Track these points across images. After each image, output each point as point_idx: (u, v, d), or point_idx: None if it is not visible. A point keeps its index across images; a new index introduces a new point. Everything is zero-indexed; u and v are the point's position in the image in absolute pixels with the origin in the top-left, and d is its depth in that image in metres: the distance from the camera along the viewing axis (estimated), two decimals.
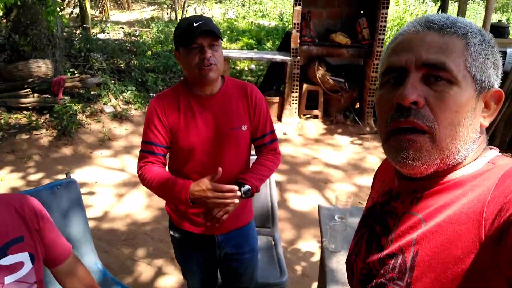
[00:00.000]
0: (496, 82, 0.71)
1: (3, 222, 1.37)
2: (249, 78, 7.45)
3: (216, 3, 16.11)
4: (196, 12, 14.84)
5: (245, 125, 1.65)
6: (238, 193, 1.53)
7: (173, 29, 9.33)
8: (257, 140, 1.73)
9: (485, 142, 0.75)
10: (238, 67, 8.12)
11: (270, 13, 13.84)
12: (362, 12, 5.75)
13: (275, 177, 4.20)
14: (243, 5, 14.80)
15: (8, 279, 1.34)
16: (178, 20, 8.85)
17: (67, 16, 11.13)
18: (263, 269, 2.28)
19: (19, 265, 1.37)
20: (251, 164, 1.75)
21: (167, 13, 13.84)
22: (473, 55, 0.68)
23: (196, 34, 1.49)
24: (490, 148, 0.75)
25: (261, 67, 7.92)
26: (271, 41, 9.85)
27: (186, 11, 12.08)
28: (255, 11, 14.13)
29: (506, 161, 0.69)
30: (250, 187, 1.59)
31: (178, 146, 1.64)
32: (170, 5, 14.50)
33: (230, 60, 7.28)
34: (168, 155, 1.73)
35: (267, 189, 2.59)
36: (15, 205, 1.43)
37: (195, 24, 1.50)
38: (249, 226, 1.84)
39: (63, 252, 1.54)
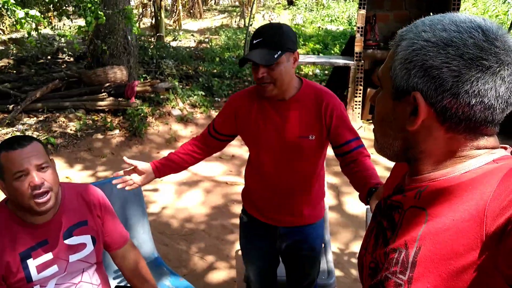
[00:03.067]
0: (422, 85, 0.67)
1: (71, 207, 1.54)
2: None
3: (284, 9, 16.26)
4: (264, 19, 15.10)
5: (313, 135, 1.63)
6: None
7: (241, 36, 9.53)
8: (341, 147, 1.67)
9: (489, 140, 0.71)
10: (302, 72, 8.14)
11: (338, 17, 13.70)
12: (431, 14, 5.53)
13: (331, 179, 4.20)
14: (311, 10, 14.79)
15: (72, 258, 1.51)
16: (245, 27, 9.09)
17: (143, 26, 11.90)
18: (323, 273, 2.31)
19: (82, 246, 1.54)
20: (319, 174, 1.78)
21: (235, 21, 14.23)
22: (396, 61, 0.71)
23: (246, 59, 1.53)
24: (502, 147, 0.73)
25: (326, 72, 7.87)
26: (338, 46, 9.75)
27: (253, 17, 12.33)
28: (323, 16, 14.06)
29: (510, 161, 0.68)
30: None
31: (249, 145, 1.76)
32: (239, 13, 14.91)
33: None
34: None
35: None
36: (81, 193, 1.61)
37: (254, 41, 1.52)
38: (312, 226, 1.84)
39: (121, 239, 1.69)
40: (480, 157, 0.70)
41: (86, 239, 1.56)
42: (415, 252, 0.68)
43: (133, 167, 1.75)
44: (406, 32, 0.72)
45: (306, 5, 15.23)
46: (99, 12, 3.97)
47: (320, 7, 15.19)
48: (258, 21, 14.60)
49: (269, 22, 14.53)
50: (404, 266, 0.69)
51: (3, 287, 1.39)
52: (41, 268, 1.43)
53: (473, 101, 0.64)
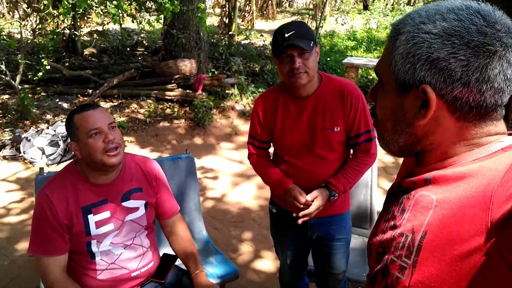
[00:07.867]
0: (430, 78, 0.66)
1: (130, 174, 1.71)
2: None
3: (358, 13, 15.99)
4: (336, 23, 14.96)
5: (338, 127, 1.70)
6: (315, 203, 1.71)
7: None
8: (352, 139, 1.76)
9: (497, 126, 0.71)
10: (371, 76, 7.99)
11: None
12: None
13: (387, 186, 4.09)
14: (386, 16, 14.41)
15: (127, 218, 1.69)
16: (316, 29, 9.10)
17: (216, 24, 12.31)
18: (355, 267, 2.30)
19: (136, 209, 1.71)
20: None
21: (307, 22, 14.24)
22: (396, 56, 0.70)
23: (284, 46, 1.58)
24: (510, 133, 0.72)
25: None
26: None
27: (324, 20, 12.27)
28: None
29: None
30: (336, 194, 1.74)
31: (277, 143, 1.84)
32: (311, 15, 14.90)
33: (362, 68, 7.23)
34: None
35: (367, 189, 2.56)
36: (141, 164, 1.78)
37: (286, 35, 1.57)
38: (342, 216, 1.89)
39: (171, 210, 1.83)
40: (489, 145, 0.69)
41: (140, 203, 1.72)
42: (421, 236, 0.69)
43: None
44: (402, 25, 0.70)
45: (381, 10, 14.86)
46: (175, 1, 4.25)
47: (396, 12, 14.76)
48: (331, 24, 14.49)
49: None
50: (410, 250, 0.70)
51: (67, 236, 1.56)
52: (99, 224, 1.59)
53: (484, 88, 0.64)
